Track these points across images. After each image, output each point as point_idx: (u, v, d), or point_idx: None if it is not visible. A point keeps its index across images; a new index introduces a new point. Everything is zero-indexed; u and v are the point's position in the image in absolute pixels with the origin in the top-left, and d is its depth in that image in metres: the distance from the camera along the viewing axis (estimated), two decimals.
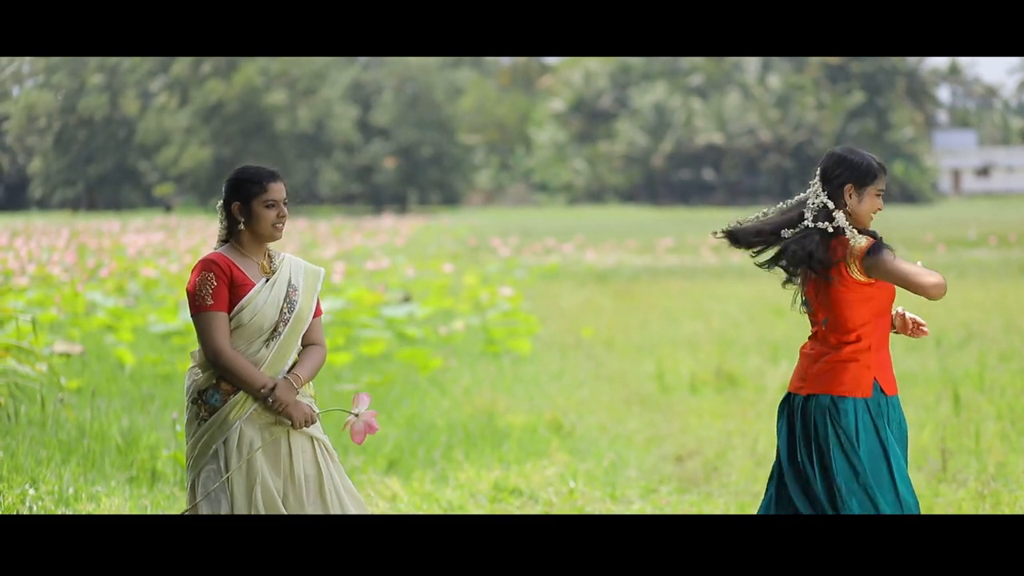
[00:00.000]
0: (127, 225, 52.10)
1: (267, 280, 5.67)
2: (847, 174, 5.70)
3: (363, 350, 15.92)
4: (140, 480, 9.35)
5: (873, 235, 5.67)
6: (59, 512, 8.17)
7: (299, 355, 5.76)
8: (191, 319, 5.65)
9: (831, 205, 5.68)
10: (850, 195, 5.68)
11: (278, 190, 5.67)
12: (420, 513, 8.78)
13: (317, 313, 5.79)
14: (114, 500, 8.50)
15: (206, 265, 5.60)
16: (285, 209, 5.69)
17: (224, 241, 5.74)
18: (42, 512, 8.11)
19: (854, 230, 5.66)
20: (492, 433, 11.42)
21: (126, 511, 8.35)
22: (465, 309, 21.71)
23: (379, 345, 16.03)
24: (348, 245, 40.75)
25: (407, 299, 22.27)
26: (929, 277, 5.52)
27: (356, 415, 5.72)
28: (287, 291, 5.69)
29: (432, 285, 25.52)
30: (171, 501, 8.87)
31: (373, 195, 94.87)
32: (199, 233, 44.29)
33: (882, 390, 5.68)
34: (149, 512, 8.40)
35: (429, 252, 39.63)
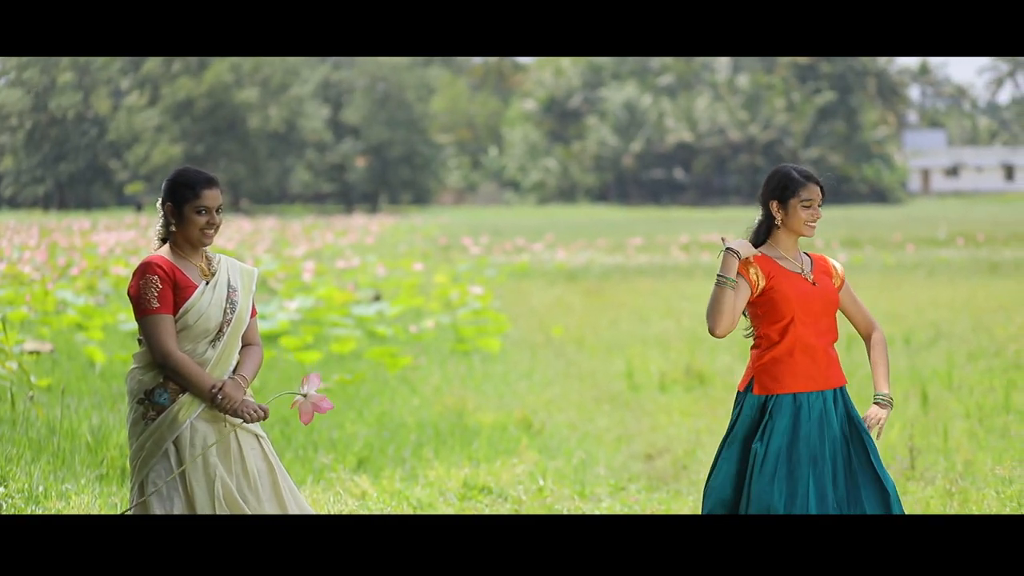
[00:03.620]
0: (97, 223, 51.95)
1: (207, 282, 5.66)
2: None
3: (333, 348, 15.91)
4: (110, 478, 9.32)
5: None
6: (29, 510, 8.16)
7: (240, 356, 5.76)
8: (137, 323, 5.62)
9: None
10: (776, 210, 5.98)
11: (212, 197, 5.63)
12: (389, 511, 8.78)
13: (253, 314, 5.79)
14: (84, 498, 8.48)
15: (149, 268, 5.58)
16: (218, 217, 5.66)
17: (163, 240, 5.74)
18: (11, 510, 8.09)
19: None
20: (462, 431, 11.44)
21: (96, 509, 8.33)
22: (435, 308, 21.71)
23: (349, 343, 16.03)
24: (319, 244, 40.71)
25: (377, 298, 22.28)
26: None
27: (304, 396, 5.69)
28: (228, 292, 5.68)
29: (402, 284, 25.51)
30: None
31: (344, 194, 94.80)
32: None
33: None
34: (119, 510, 8.38)
35: (399, 251, 39.61)
